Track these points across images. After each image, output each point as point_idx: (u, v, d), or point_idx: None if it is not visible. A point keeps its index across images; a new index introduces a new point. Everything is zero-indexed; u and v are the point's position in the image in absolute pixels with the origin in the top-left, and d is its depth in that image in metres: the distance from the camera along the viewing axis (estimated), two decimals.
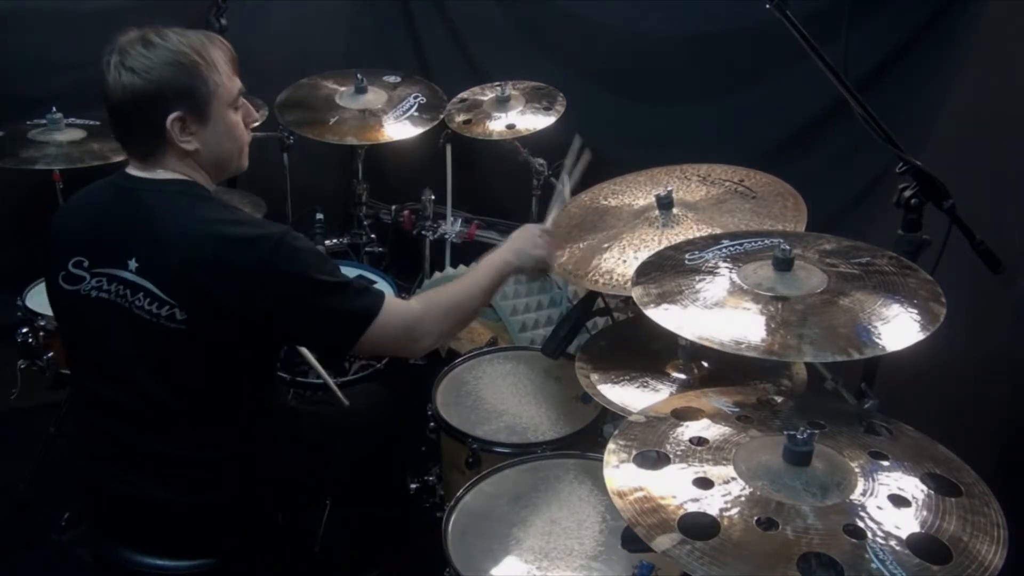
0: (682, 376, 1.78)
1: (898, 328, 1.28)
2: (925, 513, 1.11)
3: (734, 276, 1.45)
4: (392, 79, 3.01)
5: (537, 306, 2.53)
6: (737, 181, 1.93)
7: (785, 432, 1.18)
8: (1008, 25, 2.18)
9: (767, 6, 1.45)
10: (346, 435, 1.90)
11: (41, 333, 2.35)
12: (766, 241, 1.56)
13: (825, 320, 1.31)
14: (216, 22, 2.66)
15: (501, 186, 3.29)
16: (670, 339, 1.71)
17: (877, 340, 1.26)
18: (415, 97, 2.90)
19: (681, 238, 1.71)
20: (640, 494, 1.16)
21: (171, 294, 1.44)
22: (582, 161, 2.09)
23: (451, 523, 1.61)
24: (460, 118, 2.70)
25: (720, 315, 1.36)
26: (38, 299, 2.40)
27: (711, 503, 1.13)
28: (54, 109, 2.63)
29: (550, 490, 1.70)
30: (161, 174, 1.53)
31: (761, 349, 1.27)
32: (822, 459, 1.19)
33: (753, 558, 1.04)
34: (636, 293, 1.46)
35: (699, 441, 1.27)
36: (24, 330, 2.36)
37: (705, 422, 1.32)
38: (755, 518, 1.10)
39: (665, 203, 1.82)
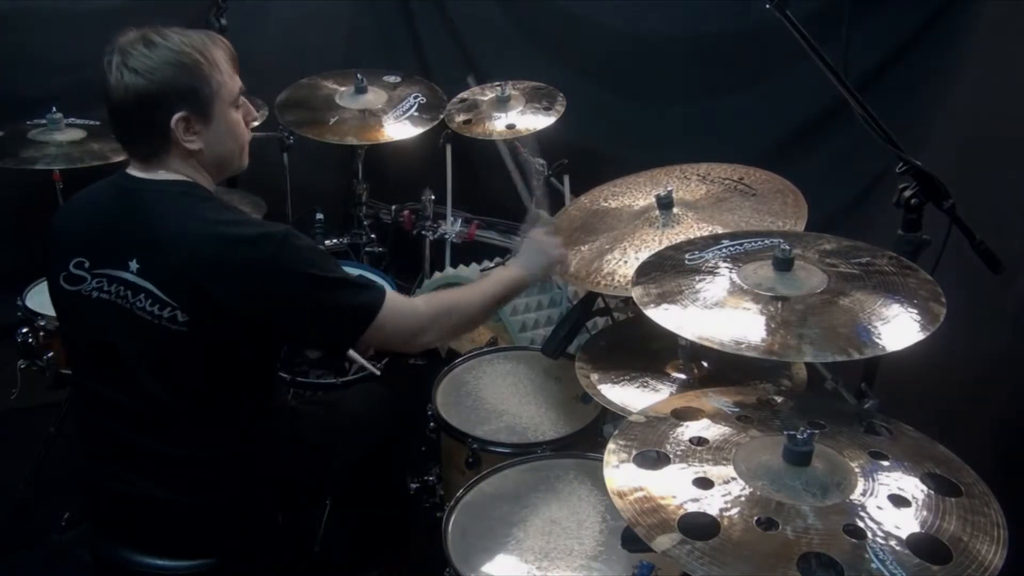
0: (682, 376, 1.78)
1: (898, 328, 1.28)
2: (925, 513, 1.11)
3: (734, 276, 1.45)
4: (392, 79, 3.01)
5: (537, 306, 2.53)
6: (737, 179, 1.93)
7: (785, 432, 1.18)
8: (1008, 25, 2.18)
9: (767, 6, 1.45)
10: (346, 435, 1.90)
11: (41, 333, 2.35)
12: (766, 241, 1.56)
13: (825, 320, 1.31)
14: (216, 22, 2.66)
15: (501, 186, 3.28)
16: (670, 339, 1.71)
17: (877, 340, 1.26)
18: (415, 97, 2.90)
19: (681, 237, 1.71)
20: (640, 494, 1.16)
21: (172, 295, 1.44)
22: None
23: (451, 523, 1.61)
24: (460, 118, 2.70)
25: (720, 315, 1.36)
26: (38, 299, 2.40)
27: (711, 503, 1.13)
28: (54, 109, 2.63)
29: (550, 490, 1.70)
30: (163, 175, 1.53)
31: (761, 349, 1.27)
32: (822, 459, 1.19)
33: (753, 558, 1.04)
34: (636, 293, 1.46)
35: (699, 441, 1.27)
36: (24, 330, 2.36)
37: (705, 422, 1.32)
38: (755, 518, 1.10)
39: (665, 203, 1.82)
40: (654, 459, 1.23)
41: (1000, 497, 1.15)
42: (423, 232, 3.06)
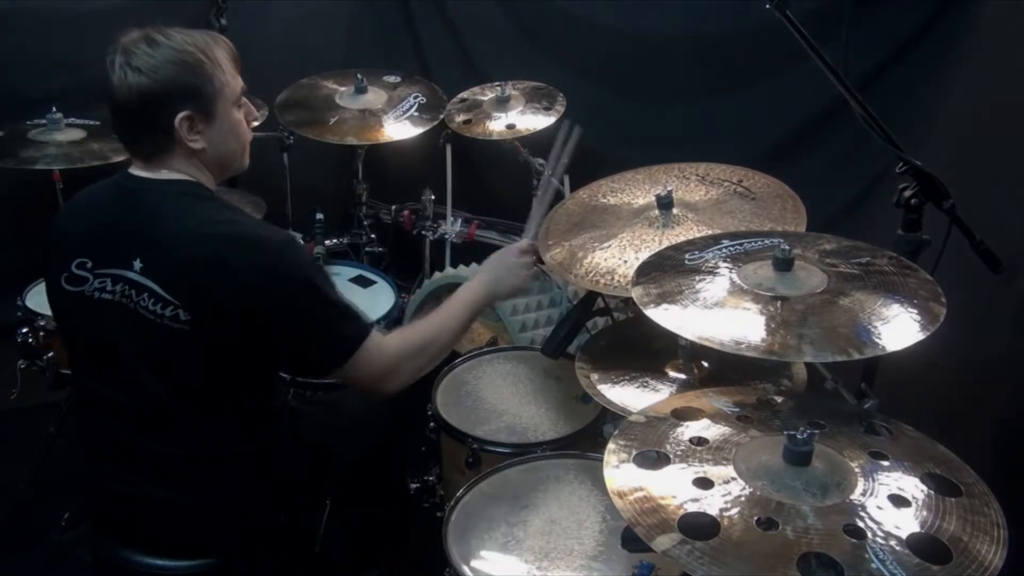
0: (682, 376, 1.78)
1: (898, 328, 1.28)
2: (925, 513, 1.11)
3: (734, 276, 1.45)
4: (392, 79, 3.01)
5: (537, 306, 2.53)
6: (736, 181, 1.93)
7: (785, 432, 1.18)
8: (1008, 25, 2.18)
9: (767, 6, 1.45)
10: (346, 435, 1.90)
11: (41, 333, 2.35)
12: (766, 241, 1.56)
13: (825, 320, 1.31)
14: (216, 22, 2.66)
15: (501, 186, 3.29)
16: (670, 339, 1.71)
17: (877, 340, 1.26)
18: (415, 97, 2.90)
19: (681, 239, 1.71)
20: (640, 494, 1.16)
21: (174, 294, 1.44)
22: (569, 146, 2.05)
23: (451, 523, 1.61)
24: (460, 118, 2.70)
25: (720, 315, 1.36)
26: (38, 299, 2.40)
27: (711, 503, 1.13)
28: (54, 109, 2.63)
29: (550, 490, 1.70)
30: (165, 174, 1.53)
31: (761, 349, 1.27)
32: (822, 459, 1.19)
33: (753, 558, 1.04)
34: (636, 293, 1.46)
35: (699, 441, 1.27)
36: (24, 330, 2.36)
37: (705, 422, 1.32)
38: (755, 518, 1.10)
39: (665, 203, 1.82)
40: (654, 459, 1.23)
41: (1000, 497, 1.15)
42: (423, 232, 3.07)
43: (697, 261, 1.53)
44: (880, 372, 1.54)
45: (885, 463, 1.21)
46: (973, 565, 1.03)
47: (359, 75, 2.91)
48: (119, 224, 1.52)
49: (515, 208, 3.00)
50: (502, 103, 2.68)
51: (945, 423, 1.66)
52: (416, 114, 2.83)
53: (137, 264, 1.47)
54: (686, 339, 1.34)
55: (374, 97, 2.90)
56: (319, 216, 2.92)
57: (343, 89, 2.93)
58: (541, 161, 2.68)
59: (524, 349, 2.25)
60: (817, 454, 1.18)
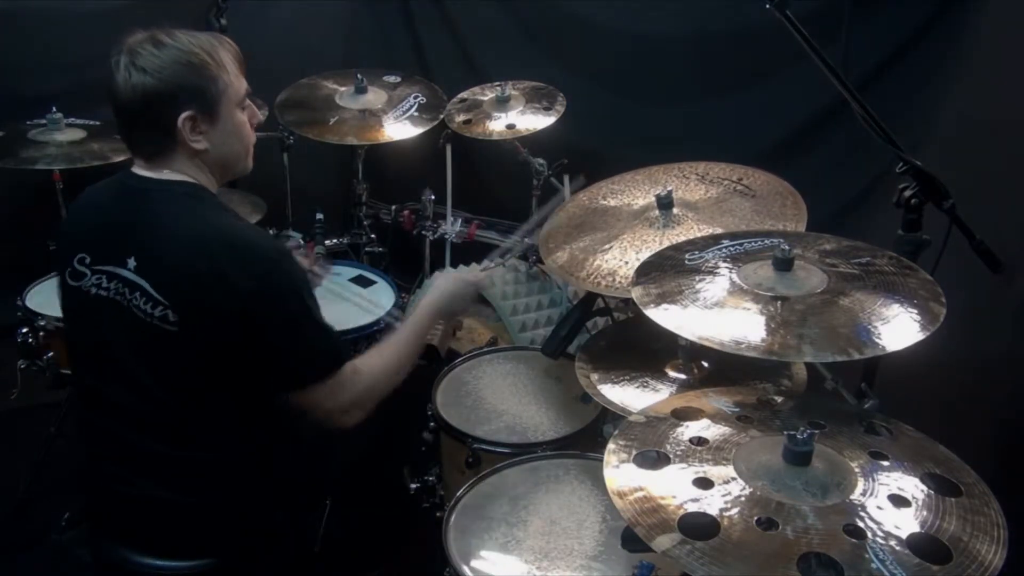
0: (682, 376, 1.78)
1: (898, 328, 1.28)
2: (925, 513, 1.11)
3: (734, 276, 1.45)
4: (392, 79, 3.01)
5: (537, 306, 2.53)
6: (736, 180, 1.93)
7: (785, 432, 1.18)
8: (1008, 25, 2.18)
9: (767, 6, 1.45)
10: (346, 435, 1.89)
11: (41, 333, 2.35)
12: (766, 241, 1.56)
13: (825, 320, 1.31)
14: (216, 22, 2.66)
15: (501, 186, 3.29)
16: (670, 339, 1.71)
17: (877, 340, 1.26)
18: (415, 97, 2.90)
19: (682, 238, 1.71)
20: (640, 494, 1.16)
21: (164, 294, 1.44)
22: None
23: (451, 523, 1.61)
24: (460, 118, 2.70)
25: (720, 315, 1.36)
26: (38, 299, 2.41)
27: (711, 503, 1.13)
28: (54, 109, 2.63)
29: (550, 490, 1.70)
30: (167, 175, 1.53)
31: (761, 349, 1.27)
32: (822, 459, 1.19)
33: (753, 558, 1.04)
34: (636, 293, 1.46)
35: (699, 441, 1.27)
36: (24, 330, 2.36)
37: (705, 422, 1.32)
38: (755, 518, 1.10)
39: (665, 203, 1.82)
40: (654, 459, 1.23)
41: (1000, 497, 1.15)
42: (423, 232, 3.06)
43: (697, 261, 1.53)
44: (880, 372, 1.54)
45: (885, 463, 1.21)
46: (973, 565, 1.03)
47: (359, 75, 2.91)
48: (118, 222, 1.52)
49: (515, 208, 3.00)
50: (502, 103, 2.68)
51: (945, 423, 1.66)
52: (416, 114, 2.83)
53: (131, 262, 1.47)
54: (686, 339, 1.34)
55: (374, 97, 2.90)
56: (319, 216, 2.92)
57: (343, 89, 2.93)
58: (541, 161, 2.68)
59: (524, 349, 2.25)
60: (817, 454, 1.18)
